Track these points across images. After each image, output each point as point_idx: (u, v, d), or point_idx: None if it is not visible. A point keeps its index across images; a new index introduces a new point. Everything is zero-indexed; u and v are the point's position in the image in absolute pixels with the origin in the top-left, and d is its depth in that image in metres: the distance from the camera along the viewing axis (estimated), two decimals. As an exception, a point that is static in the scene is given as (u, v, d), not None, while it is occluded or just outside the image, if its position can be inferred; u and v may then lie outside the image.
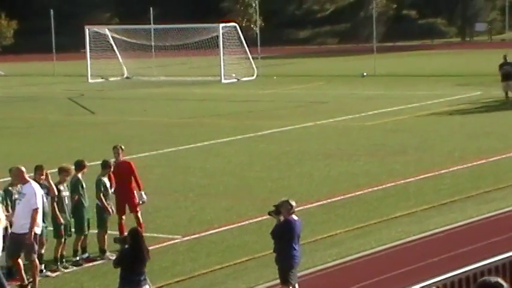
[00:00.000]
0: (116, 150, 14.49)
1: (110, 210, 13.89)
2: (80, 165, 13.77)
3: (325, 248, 13.70)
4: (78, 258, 13.54)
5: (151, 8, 50.51)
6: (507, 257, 8.82)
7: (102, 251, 13.71)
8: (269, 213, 11.07)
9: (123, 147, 14.65)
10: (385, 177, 18.66)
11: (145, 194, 14.56)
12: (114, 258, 11.51)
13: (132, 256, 10.35)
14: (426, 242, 13.91)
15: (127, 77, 48.11)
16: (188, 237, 14.61)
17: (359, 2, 75.98)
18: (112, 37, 48.93)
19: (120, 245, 10.90)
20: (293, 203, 10.88)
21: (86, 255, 13.68)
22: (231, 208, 16.55)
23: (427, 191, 17.27)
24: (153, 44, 48.99)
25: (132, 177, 14.38)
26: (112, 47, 48.55)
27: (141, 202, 14.49)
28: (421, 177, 18.56)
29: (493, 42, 64.31)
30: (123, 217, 14.33)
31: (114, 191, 14.26)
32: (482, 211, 15.51)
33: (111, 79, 47.05)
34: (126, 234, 11.36)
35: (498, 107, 29.84)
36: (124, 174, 14.33)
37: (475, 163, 19.83)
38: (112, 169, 14.19)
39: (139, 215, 14.35)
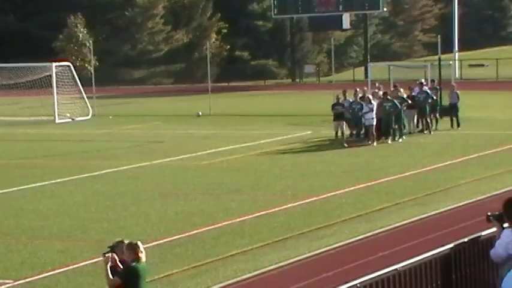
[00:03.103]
0: None
1: None
2: None
3: (161, 288, 13.73)
4: None
5: (-20, 46, 49.06)
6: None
7: None
8: (104, 255, 10.99)
9: None
10: (221, 215, 18.93)
11: None
12: None
13: None
14: (260, 279, 14.22)
15: (-46, 117, 46.33)
16: (20, 281, 14.25)
17: (193, 43, 76.96)
18: None
19: None
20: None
21: None
22: (65, 250, 16.27)
23: (262, 229, 17.66)
24: (-18, 83, 47.48)
25: None
26: None
27: None
28: (255, 215, 18.96)
29: (321, 84, 66.60)
30: None
31: None
32: (313, 247, 16.02)
33: None
34: None
35: (327, 146, 30.94)
36: None
37: (306, 201, 20.47)
38: None
39: None
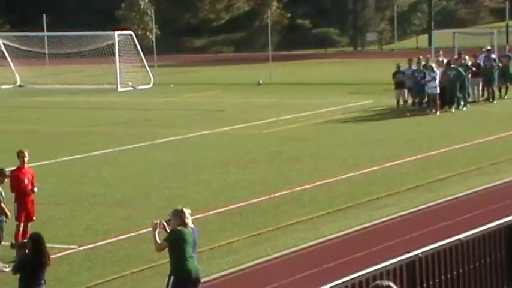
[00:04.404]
0: (22, 155, 14.35)
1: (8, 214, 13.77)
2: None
3: (222, 255, 13.79)
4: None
5: (44, 15, 49.63)
6: (399, 261, 9.09)
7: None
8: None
9: (28, 152, 14.53)
10: (281, 184, 18.90)
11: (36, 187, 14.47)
12: (12, 266, 11.27)
13: (34, 261, 10.30)
14: (321, 248, 14.17)
15: (20, 85, 47.13)
16: (84, 247, 14.46)
17: (254, 12, 76.71)
18: (3, 44, 47.86)
19: (19, 250, 10.85)
20: (188, 211, 10.92)
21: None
22: (127, 217, 16.45)
23: (322, 198, 17.58)
24: (46, 51, 48.17)
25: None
26: (4, 54, 47.49)
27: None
28: (316, 184, 18.88)
29: (383, 52, 65.89)
30: (22, 225, 14.16)
31: (16, 197, 14.13)
32: (374, 217, 15.90)
33: (3, 87, 46.01)
34: (25, 240, 11.23)
35: (389, 115, 30.61)
36: (28, 181, 14.24)
37: (367, 170, 20.30)
38: (11, 175, 14.11)
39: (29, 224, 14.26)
